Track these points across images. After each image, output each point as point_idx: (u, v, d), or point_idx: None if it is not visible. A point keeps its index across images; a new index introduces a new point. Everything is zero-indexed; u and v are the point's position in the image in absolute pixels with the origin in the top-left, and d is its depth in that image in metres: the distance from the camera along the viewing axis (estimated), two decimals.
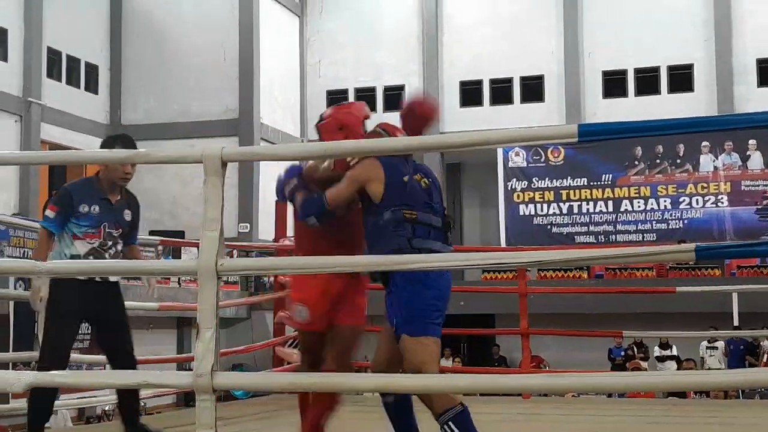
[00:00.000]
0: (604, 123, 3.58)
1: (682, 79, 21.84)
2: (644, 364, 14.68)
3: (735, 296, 14.62)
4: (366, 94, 23.93)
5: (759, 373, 4.90)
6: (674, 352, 15.09)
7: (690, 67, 21.82)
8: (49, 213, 4.63)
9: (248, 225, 21.67)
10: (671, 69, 21.93)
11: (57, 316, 4.50)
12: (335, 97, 24.22)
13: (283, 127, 23.59)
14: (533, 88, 22.57)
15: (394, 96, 23.75)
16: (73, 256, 4.54)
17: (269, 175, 22.30)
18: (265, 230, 18.73)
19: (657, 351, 15.30)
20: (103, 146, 4.74)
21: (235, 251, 11.86)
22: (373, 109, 23.63)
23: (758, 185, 20.14)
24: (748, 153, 20.35)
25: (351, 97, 24.01)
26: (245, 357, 15.84)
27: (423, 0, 23.53)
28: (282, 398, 7.13)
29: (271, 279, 12.99)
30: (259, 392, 7.92)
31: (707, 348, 14.87)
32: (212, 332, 3.27)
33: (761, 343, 15.00)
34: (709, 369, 13.25)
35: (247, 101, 22.36)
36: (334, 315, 4.16)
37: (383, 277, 3.83)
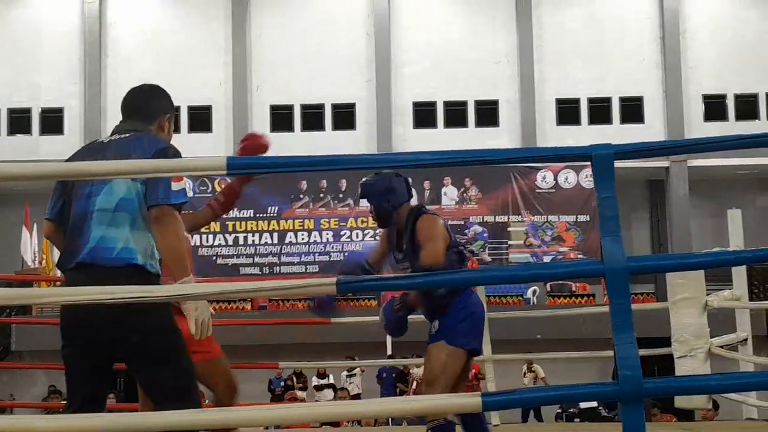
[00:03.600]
0: (252, 157, 3.55)
1: (345, 116, 22.76)
2: (302, 394, 14.96)
3: None
4: (20, 116, 22.52)
5: (400, 402, 5.11)
6: (331, 380, 15.56)
7: (353, 106, 22.81)
8: (178, 185, 3.28)
9: None
10: (335, 107, 22.77)
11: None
12: None
13: None
14: (202, 118, 22.44)
15: (52, 119, 22.55)
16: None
17: None
18: None
19: (315, 380, 15.68)
20: None
21: None
22: (28, 131, 22.38)
23: None
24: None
25: (2, 118, 22.48)
26: None
27: (86, 21, 22.59)
28: None
29: None
30: None
31: (347, 376, 15.51)
32: None
33: (411, 371, 15.86)
34: (350, 396, 13.80)
35: None
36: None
37: (439, 304, 4.43)
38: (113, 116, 22.27)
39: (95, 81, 22.42)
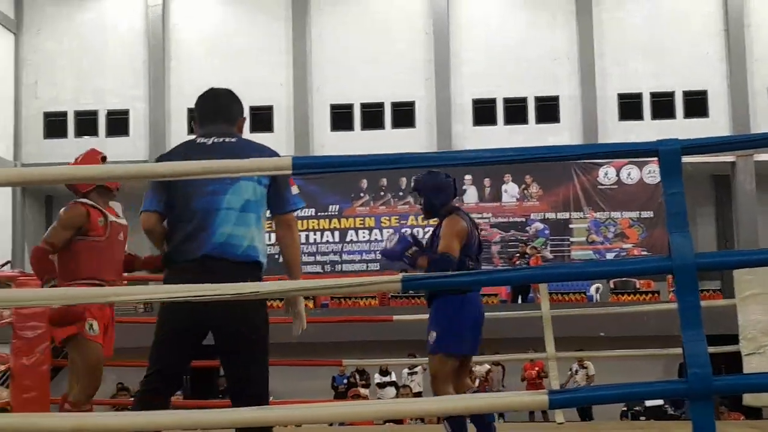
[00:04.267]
0: (317, 156, 3.59)
1: (404, 115, 22.80)
2: (365, 391, 15.02)
3: None
4: (87, 118, 23.01)
5: (464, 400, 5.10)
6: (393, 378, 15.60)
7: (412, 104, 22.83)
8: (296, 189, 3.61)
9: None
10: (395, 105, 22.82)
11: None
12: (53, 119, 23.09)
13: None
14: (263, 118, 22.66)
15: (118, 120, 23.01)
16: None
17: None
18: None
19: (378, 378, 15.73)
20: None
21: None
22: (95, 133, 22.86)
23: (477, 218, 21.38)
24: (464, 187, 21.55)
25: (70, 120, 22.99)
26: None
27: (150, 24, 23.02)
28: None
29: None
30: None
31: (408, 374, 15.51)
32: None
33: (473, 369, 15.84)
34: (412, 394, 13.81)
35: None
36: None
37: (429, 296, 4.91)
38: (177, 118, 22.65)
39: (159, 83, 22.79)
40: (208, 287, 2.89)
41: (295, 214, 3.54)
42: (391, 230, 21.44)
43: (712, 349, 3.28)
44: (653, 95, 22.29)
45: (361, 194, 21.81)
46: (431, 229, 5.24)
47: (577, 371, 15.46)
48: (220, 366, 3.59)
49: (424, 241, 5.18)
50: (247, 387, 3.42)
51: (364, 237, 21.73)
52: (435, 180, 5.10)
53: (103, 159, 4.80)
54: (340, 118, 22.87)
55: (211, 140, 3.52)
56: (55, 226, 4.57)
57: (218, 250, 3.38)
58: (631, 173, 21.42)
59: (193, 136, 3.76)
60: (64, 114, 23.08)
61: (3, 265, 14.86)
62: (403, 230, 17.22)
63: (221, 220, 3.39)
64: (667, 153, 2.91)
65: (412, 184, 5.20)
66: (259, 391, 3.41)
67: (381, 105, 22.83)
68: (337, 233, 21.70)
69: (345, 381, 15.79)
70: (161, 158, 3.57)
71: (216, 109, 3.68)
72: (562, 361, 7.71)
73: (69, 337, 4.54)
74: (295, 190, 3.54)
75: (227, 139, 3.52)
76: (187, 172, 3.16)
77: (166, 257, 3.52)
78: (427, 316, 5.03)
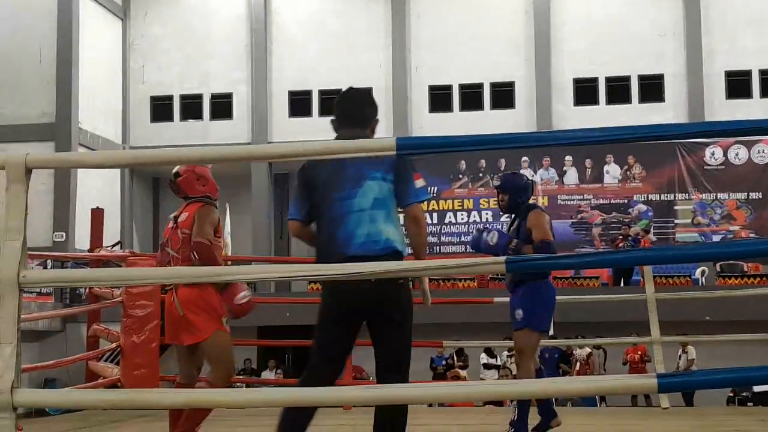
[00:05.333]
0: (421, 137, 3.62)
1: (504, 96, 22.61)
2: (463, 373, 15.03)
3: None
4: (192, 101, 23.54)
5: (569, 383, 5.07)
6: (499, 361, 15.54)
7: (511, 84, 22.62)
8: (421, 182, 3.90)
9: (64, 234, 20.78)
10: (494, 86, 22.65)
11: None
12: (159, 103, 23.69)
13: (103, 133, 22.79)
14: None
15: (221, 104, 23.48)
16: None
17: (87, 182, 21.51)
18: (83, 239, 18.02)
19: (484, 358, 15.71)
20: None
21: (49, 261, 11.33)
22: (200, 116, 23.40)
23: (573, 200, 21.08)
24: (564, 169, 21.29)
25: (176, 104, 23.56)
26: (58, 371, 15.14)
27: (252, 8, 23.38)
28: (91, 414, 6.86)
29: (87, 290, 12.48)
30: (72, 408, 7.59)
31: (508, 356, 15.42)
32: (12, 347, 3.11)
33: (574, 352, 15.68)
34: (511, 376, 13.73)
35: (64, 105, 21.45)
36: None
37: (515, 282, 5.41)
38: (278, 101, 23.00)
39: (261, 67, 23.14)
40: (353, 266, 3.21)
41: (422, 205, 3.83)
42: (489, 212, 21.35)
43: None
44: (762, 72, 21.55)
45: (460, 176, 21.72)
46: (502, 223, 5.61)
47: (680, 356, 15.15)
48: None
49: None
50: (401, 360, 3.75)
51: (462, 219, 21.66)
52: (521, 181, 5.79)
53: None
54: (439, 99, 22.82)
55: None
56: (202, 225, 4.94)
57: (361, 249, 3.68)
58: (739, 153, 20.77)
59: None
60: (170, 98, 23.66)
61: (113, 246, 15.34)
62: (480, 226, 17.20)
63: (356, 222, 3.70)
64: None
65: (497, 182, 5.86)
66: (407, 364, 3.77)
67: (480, 86, 22.69)
68: (435, 215, 21.68)
69: (443, 362, 15.82)
70: (305, 164, 3.85)
71: (350, 112, 3.94)
72: (666, 345, 7.56)
73: (214, 332, 4.88)
74: (420, 183, 3.80)
75: None
76: (288, 154, 3.32)
77: (317, 259, 3.83)
78: None
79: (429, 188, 21.71)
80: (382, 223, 3.72)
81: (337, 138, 3.85)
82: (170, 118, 23.60)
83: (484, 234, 5.52)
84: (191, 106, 23.55)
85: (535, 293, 5.40)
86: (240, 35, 23.52)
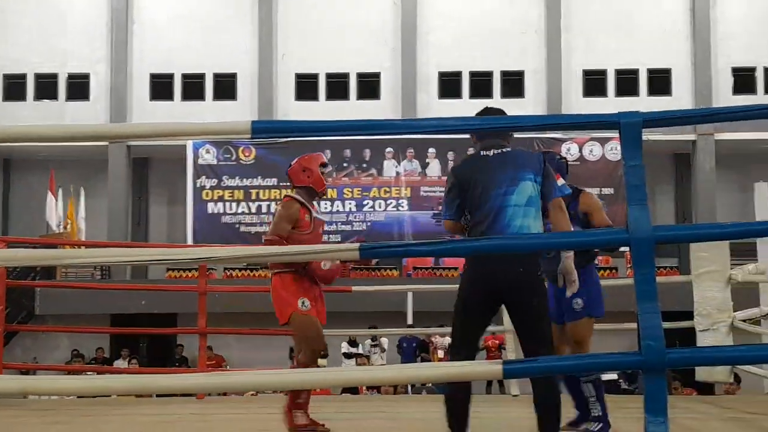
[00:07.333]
0: (276, 120, 3.56)
1: (370, 86, 22.70)
2: (323, 362, 15.01)
3: (409, 295, 15.31)
4: (47, 80, 22.64)
5: (425, 369, 5.12)
6: (360, 350, 15.59)
7: (377, 75, 22.73)
8: (562, 181, 4.78)
9: None
10: (360, 76, 22.70)
11: None
12: (12, 81, 22.69)
13: None
14: (226, 86, 22.44)
15: (78, 84, 22.65)
16: None
17: None
18: None
19: (345, 347, 15.74)
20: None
21: None
22: (54, 97, 22.52)
23: (435, 191, 21.38)
24: (427, 161, 21.56)
25: (29, 83, 22.60)
26: None
27: None
28: None
29: None
30: None
31: (371, 346, 15.53)
32: None
33: (433, 340, 15.91)
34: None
35: None
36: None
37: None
38: (139, 84, 22.38)
39: (122, 48, 22.42)
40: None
41: (561, 198, 4.42)
42: (352, 202, 21.41)
43: (667, 325, 3.30)
44: (618, 72, 22.40)
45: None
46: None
47: None
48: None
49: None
50: (542, 340, 4.06)
51: (325, 209, 21.66)
52: (561, 163, 5.62)
53: (323, 165, 5.85)
54: (305, 87, 22.71)
55: (492, 152, 4.29)
56: (278, 221, 5.51)
57: None
58: (593, 149, 21.54)
59: None
60: (23, 76, 22.66)
61: None
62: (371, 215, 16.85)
63: (512, 215, 4.17)
64: (629, 125, 2.91)
65: (542, 156, 5.41)
66: (550, 341, 4.12)
67: (346, 75, 22.70)
68: None
69: None
70: (456, 167, 4.36)
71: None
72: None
73: (290, 315, 5.34)
74: (561, 182, 4.79)
75: (503, 150, 4.29)
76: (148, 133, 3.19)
77: None
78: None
79: None
80: (532, 219, 4.20)
81: (482, 149, 4.29)
82: (23, 98, 22.63)
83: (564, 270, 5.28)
84: (46, 86, 22.64)
85: (589, 279, 5.29)
86: (100, 13, 22.73)
